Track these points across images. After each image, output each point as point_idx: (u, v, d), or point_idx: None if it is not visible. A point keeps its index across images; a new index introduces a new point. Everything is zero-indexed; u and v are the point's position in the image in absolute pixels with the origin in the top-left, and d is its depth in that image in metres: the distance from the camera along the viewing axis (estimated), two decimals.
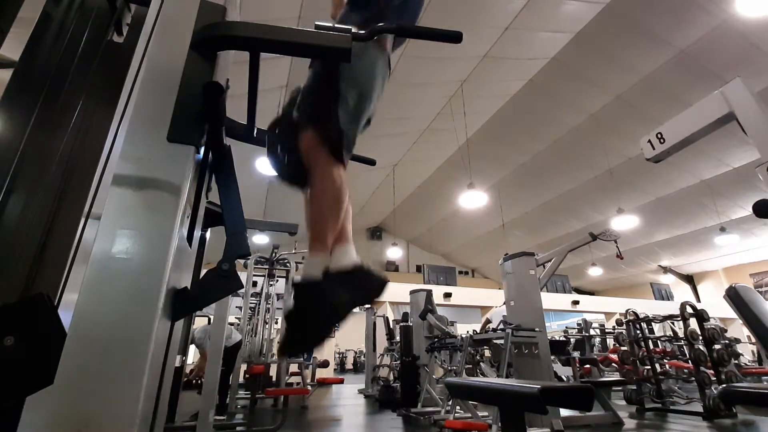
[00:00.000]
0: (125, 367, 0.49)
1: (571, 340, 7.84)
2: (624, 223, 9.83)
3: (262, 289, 7.11)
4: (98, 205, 0.63)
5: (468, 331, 5.27)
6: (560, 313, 14.97)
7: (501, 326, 4.31)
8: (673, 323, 6.27)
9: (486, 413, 4.11)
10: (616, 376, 6.20)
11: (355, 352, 16.78)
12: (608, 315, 14.35)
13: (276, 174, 1.18)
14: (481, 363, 6.77)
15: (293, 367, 7.23)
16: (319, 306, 0.91)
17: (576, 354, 6.24)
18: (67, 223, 0.82)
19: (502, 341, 4.11)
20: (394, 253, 14.55)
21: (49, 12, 0.95)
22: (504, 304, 6.72)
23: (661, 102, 8.19)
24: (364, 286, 0.98)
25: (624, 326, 6.23)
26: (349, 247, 1.03)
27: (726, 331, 5.82)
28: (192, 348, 6.02)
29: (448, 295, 12.75)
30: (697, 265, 16.50)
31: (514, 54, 7.79)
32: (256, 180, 9.64)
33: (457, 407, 4.04)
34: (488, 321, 6.61)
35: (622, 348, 6.19)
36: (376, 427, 4.60)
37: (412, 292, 6.22)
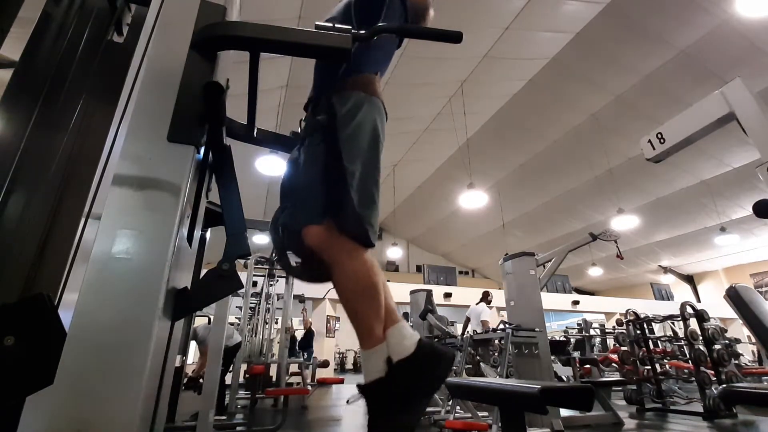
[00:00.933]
0: (125, 367, 0.49)
1: (571, 340, 7.85)
2: (624, 223, 9.82)
3: (262, 289, 7.11)
4: (98, 205, 0.63)
5: (468, 331, 5.27)
6: (560, 313, 14.97)
7: (501, 326, 4.31)
8: (673, 323, 6.27)
9: (486, 413, 4.11)
10: (616, 376, 6.20)
11: (355, 352, 16.77)
12: (608, 315, 14.36)
13: (292, 274, 1.08)
14: (481, 363, 6.76)
15: (293, 367, 7.23)
16: (395, 406, 0.83)
17: (576, 354, 6.24)
18: (67, 223, 0.82)
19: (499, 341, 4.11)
20: (394, 253, 14.54)
21: (49, 12, 0.95)
22: (479, 302, 6.74)
23: (661, 102, 8.19)
24: (433, 366, 0.89)
25: (624, 326, 6.23)
26: (402, 326, 0.93)
27: (726, 331, 5.82)
28: (192, 347, 6.02)
29: (448, 295, 12.74)
30: (697, 265, 16.50)
31: (514, 54, 7.78)
32: (256, 180, 9.64)
33: (457, 407, 4.04)
34: (468, 319, 6.62)
35: (622, 348, 6.19)
36: None
37: (412, 292, 6.23)
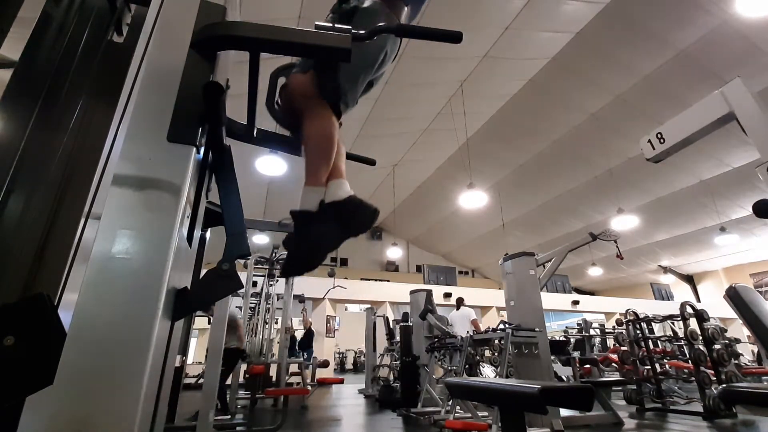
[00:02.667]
0: (125, 367, 0.49)
1: (571, 340, 7.85)
2: (624, 223, 9.83)
3: (262, 289, 7.12)
4: (98, 205, 0.63)
5: (468, 331, 5.27)
6: (560, 313, 14.98)
7: (501, 326, 4.31)
8: (673, 323, 6.27)
9: (486, 413, 4.11)
10: (616, 376, 6.20)
11: (355, 352, 16.77)
12: (608, 315, 14.36)
13: (273, 116, 1.21)
14: (480, 363, 6.77)
15: (293, 367, 7.23)
16: (314, 234, 0.99)
17: (576, 354, 6.24)
18: (67, 223, 0.82)
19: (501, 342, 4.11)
20: (394, 253, 14.55)
21: (49, 12, 0.95)
22: (458, 308, 6.85)
23: (661, 102, 8.19)
24: (356, 215, 1.04)
25: (624, 326, 6.23)
26: (342, 182, 1.09)
27: (726, 331, 5.82)
28: (192, 347, 6.03)
29: (448, 295, 12.75)
30: (697, 265, 16.51)
31: (514, 54, 7.79)
32: (256, 180, 9.65)
33: (457, 407, 4.04)
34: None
35: (622, 348, 6.20)
36: (376, 427, 4.60)
37: (412, 292, 6.22)
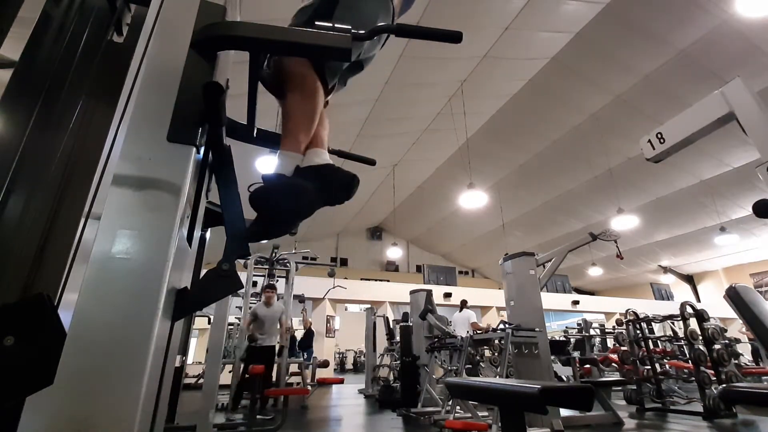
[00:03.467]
0: (125, 367, 0.49)
1: (571, 340, 7.85)
2: (624, 223, 9.83)
3: (262, 289, 7.11)
4: (98, 205, 0.63)
5: (468, 331, 5.27)
6: (560, 313, 14.98)
7: (501, 326, 4.31)
8: (673, 323, 6.27)
9: (486, 413, 4.11)
10: (616, 376, 6.20)
11: (355, 352, 16.77)
12: (608, 315, 14.36)
13: (259, 78, 1.21)
14: (481, 363, 6.77)
15: (293, 367, 7.23)
16: (286, 197, 0.93)
17: (576, 354, 6.24)
18: (67, 223, 0.82)
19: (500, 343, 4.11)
20: (394, 253, 14.54)
21: (49, 12, 0.95)
22: (461, 310, 6.89)
23: (661, 102, 8.19)
24: (333, 182, 1.00)
25: (624, 326, 6.23)
26: (321, 150, 1.06)
27: (726, 331, 5.82)
28: (192, 347, 6.05)
29: (448, 295, 12.75)
30: (697, 265, 16.50)
31: (514, 54, 7.78)
32: (256, 180, 9.64)
33: (457, 407, 4.04)
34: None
35: (622, 348, 6.20)
36: (376, 427, 4.60)
37: (412, 292, 6.22)
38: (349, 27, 0.87)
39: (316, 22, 0.93)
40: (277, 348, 5.45)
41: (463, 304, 7.07)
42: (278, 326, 5.35)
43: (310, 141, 1.04)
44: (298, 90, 1.03)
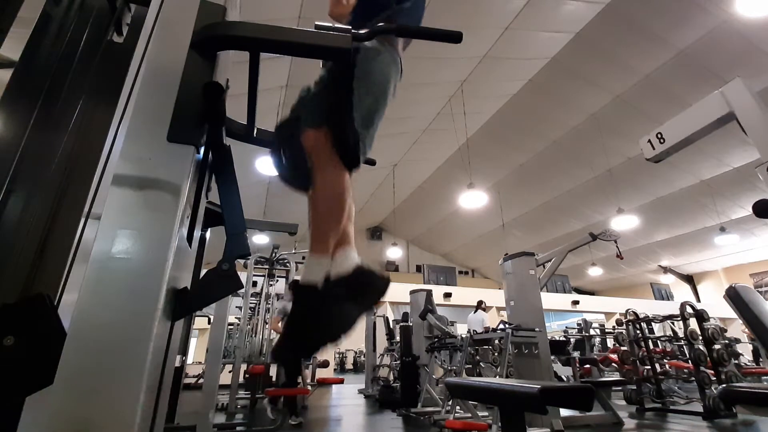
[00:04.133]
0: (125, 367, 0.49)
1: (571, 340, 7.85)
2: (624, 223, 9.82)
3: (262, 289, 7.12)
4: (98, 205, 0.63)
5: (468, 331, 5.27)
6: (560, 313, 14.97)
7: (501, 326, 4.31)
8: (673, 323, 6.27)
9: (486, 413, 4.11)
10: (616, 376, 6.20)
11: (355, 352, 16.76)
12: (608, 315, 14.35)
13: (278, 174, 1.15)
14: (481, 363, 6.77)
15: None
16: (318, 313, 0.88)
17: (576, 354, 6.24)
18: (67, 223, 0.82)
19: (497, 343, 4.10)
20: (394, 253, 14.54)
21: (49, 12, 0.95)
22: (476, 310, 6.87)
23: (661, 102, 8.19)
24: (365, 290, 0.96)
25: (624, 326, 6.23)
26: (350, 251, 1.01)
27: (726, 331, 5.82)
28: (192, 347, 6.02)
29: (448, 295, 12.75)
30: (697, 265, 16.50)
31: (514, 54, 7.78)
32: (256, 180, 9.64)
33: (457, 407, 4.04)
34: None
35: (622, 348, 6.19)
36: (376, 427, 4.61)
37: (412, 292, 6.22)
38: (350, 27, 0.87)
39: (316, 23, 0.92)
40: None
41: (479, 305, 7.01)
42: None
43: (338, 240, 1.00)
44: (324, 189, 0.98)
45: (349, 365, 16.98)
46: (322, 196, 0.98)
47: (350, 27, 0.87)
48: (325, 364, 8.81)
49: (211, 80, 0.71)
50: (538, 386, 1.09)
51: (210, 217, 1.12)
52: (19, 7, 0.88)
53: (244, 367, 6.12)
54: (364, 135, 1.02)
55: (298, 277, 0.95)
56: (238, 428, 4.34)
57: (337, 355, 15.44)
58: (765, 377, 6.94)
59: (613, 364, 6.75)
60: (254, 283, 6.52)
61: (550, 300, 11.12)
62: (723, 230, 11.54)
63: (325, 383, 7.25)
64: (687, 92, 7.71)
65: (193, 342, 14.04)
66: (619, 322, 8.83)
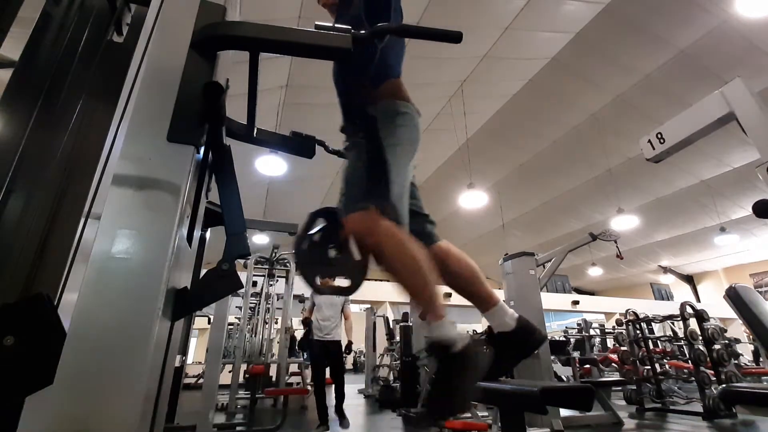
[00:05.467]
0: (125, 367, 0.49)
1: (571, 340, 7.85)
2: (624, 223, 9.82)
3: (262, 289, 7.12)
4: (98, 205, 0.63)
5: (468, 331, 5.27)
6: (560, 313, 14.97)
7: None
8: (673, 323, 6.27)
9: (486, 413, 4.11)
10: (616, 376, 6.20)
11: (355, 352, 16.76)
12: (608, 315, 14.36)
13: (313, 283, 1.07)
14: None
15: (293, 367, 7.23)
16: (475, 370, 0.91)
17: (576, 354, 6.24)
18: (67, 223, 0.82)
19: None
20: None
21: (49, 12, 0.95)
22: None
23: (661, 102, 8.19)
24: (526, 344, 1.00)
25: (624, 326, 6.23)
26: (503, 306, 1.04)
27: (726, 331, 5.82)
28: (192, 347, 6.00)
29: (448, 295, 12.70)
30: (697, 265, 16.50)
31: (514, 54, 7.78)
32: (256, 180, 9.64)
33: None
34: None
35: (622, 348, 6.19)
36: (376, 427, 4.60)
37: None
38: (350, 27, 0.87)
39: (316, 23, 0.92)
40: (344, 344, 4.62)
41: None
42: (340, 317, 4.49)
43: (484, 297, 1.05)
44: (399, 258, 0.98)
45: (349, 365, 16.98)
46: (396, 265, 0.98)
47: (350, 27, 0.87)
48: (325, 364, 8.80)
49: (211, 80, 0.71)
50: (538, 386, 1.09)
51: (210, 217, 1.12)
52: (19, 7, 0.88)
53: (244, 367, 6.12)
54: (401, 203, 1.06)
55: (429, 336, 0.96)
56: (238, 428, 4.34)
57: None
58: (765, 377, 6.94)
59: (613, 364, 6.75)
60: (254, 283, 6.52)
61: (550, 300, 11.13)
62: (723, 230, 11.54)
63: (325, 383, 7.24)
64: (687, 92, 7.70)
65: (193, 342, 14.04)
66: (619, 322, 8.84)
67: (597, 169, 10.70)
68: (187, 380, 7.65)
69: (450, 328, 0.93)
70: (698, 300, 15.84)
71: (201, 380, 6.07)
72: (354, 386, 8.94)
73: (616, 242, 4.95)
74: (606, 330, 9.65)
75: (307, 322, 4.61)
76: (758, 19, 6.27)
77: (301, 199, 12.72)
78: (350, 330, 4.71)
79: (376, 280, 15.58)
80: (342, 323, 4.55)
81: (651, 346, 5.70)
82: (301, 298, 8.80)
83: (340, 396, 4.40)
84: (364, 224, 0.99)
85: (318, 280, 1.05)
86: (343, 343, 4.56)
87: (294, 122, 8.11)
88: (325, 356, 4.38)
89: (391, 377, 8.14)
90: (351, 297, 12.63)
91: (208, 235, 1.61)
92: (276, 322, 7.76)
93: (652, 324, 6.09)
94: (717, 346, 4.73)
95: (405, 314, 7.09)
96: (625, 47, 7.44)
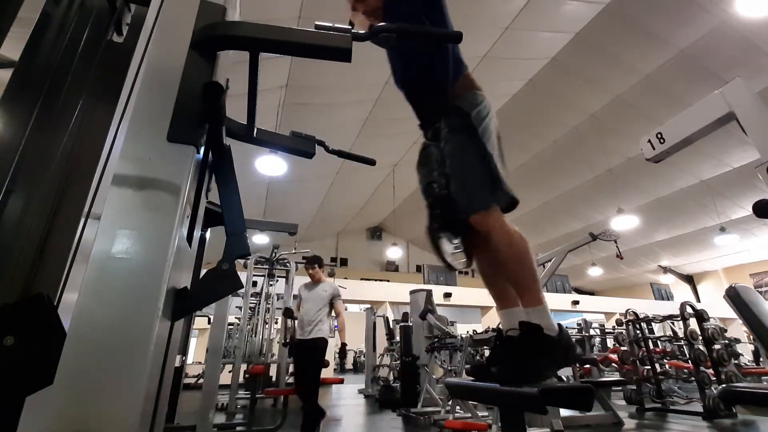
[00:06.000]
0: (125, 367, 0.49)
1: None
2: (624, 223, 9.82)
3: (262, 289, 7.11)
4: (98, 205, 0.63)
5: (468, 331, 5.27)
6: (560, 313, 14.95)
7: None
8: (673, 323, 6.26)
9: (486, 413, 4.11)
10: (616, 376, 6.20)
11: (355, 352, 16.76)
12: (608, 315, 14.35)
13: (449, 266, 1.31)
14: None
15: (293, 368, 7.22)
16: (557, 353, 1.05)
17: None
18: (67, 223, 0.82)
19: None
20: (394, 253, 14.54)
21: (49, 12, 0.95)
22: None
23: (661, 102, 8.19)
24: (568, 351, 1.12)
25: (624, 326, 6.23)
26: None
27: (726, 331, 5.82)
28: (192, 347, 5.99)
29: (448, 295, 12.75)
30: (697, 265, 16.50)
31: (514, 54, 7.78)
32: (256, 180, 9.64)
33: (457, 407, 4.04)
34: None
35: (622, 348, 6.19)
36: (376, 427, 4.61)
37: (412, 292, 6.22)
38: (350, 27, 0.87)
39: (316, 23, 0.92)
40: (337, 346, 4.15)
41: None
42: (328, 312, 3.93)
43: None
44: (515, 249, 1.13)
45: (349, 365, 16.97)
46: (514, 257, 1.13)
47: (350, 27, 0.87)
48: (325, 364, 8.79)
49: (211, 80, 0.71)
50: (538, 386, 1.09)
51: (210, 217, 1.12)
52: (19, 7, 0.88)
53: (244, 367, 6.11)
54: (509, 185, 1.18)
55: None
56: (238, 428, 4.34)
57: (337, 356, 15.41)
58: (765, 377, 6.94)
59: (613, 364, 6.75)
60: (254, 283, 6.52)
61: (550, 300, 11.02)
62: (723, 230, 11.54)
63: (325, 383, 7.25)
64: (687, 92, 7.70)
65: (193, 342, 14.03)
66: (619, 322, 8.83)
67: (597, 169, 10.70)
68: (187, 380, 7.65)
69: (549, 314, 1.07)
70: (698, 300, 15.83)
71: (201, 380, 6.06)
72: (354, 386, 8.94)
73: (616, 242, 4.94)
74: (606, 330, 9.65)
75: (288, 314, 4.30)
76: (758, 19, 6.27)
77: (301, 199, 12.73)
78: (343, 329, 4.09)
79: (376, 280, 15.59)
80: (328, 321, 3.92)
81: (651, 346, 5.70)
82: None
83: (312, 410, 3.53)
84: (489, 224, 1.13)
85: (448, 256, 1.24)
86: (333, 344, 4.27)
87: (294, 122, 8.11)
88: (306, 356, 3.74)
89: (391, 377, 8.14)
90: (350, 297, 12.37)
91: (208, 235, 1.61)
92: (276, 322, 7.76)
93: (652, 324, 6.09)
94: (717, 346, 4.73)
95: (405, 314, 7.09)
96: (625, 47, 7.44)
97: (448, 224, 1.24)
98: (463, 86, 1.29)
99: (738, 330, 11.21)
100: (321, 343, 3.75)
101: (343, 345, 4.16)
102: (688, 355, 5.30)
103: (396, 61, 1.39)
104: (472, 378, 1.12)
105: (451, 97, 1.26)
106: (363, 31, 0.90)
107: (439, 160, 1.27)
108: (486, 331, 6.04)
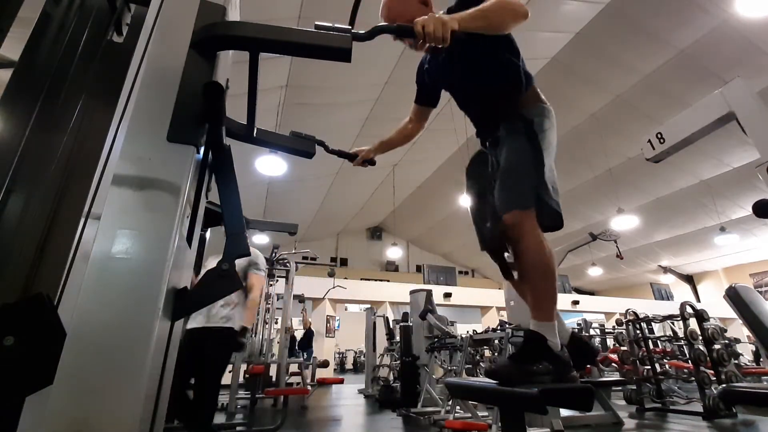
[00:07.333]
0: (125, 367, 0.49)
1: None
2: (624, 223, 9.82)
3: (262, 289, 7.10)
4: (98, 205, 0.63)
5: (468, 331, 5.27)
6: (560, 313, 14.95)
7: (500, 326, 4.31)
8: (673, 323, 6.26)
9: (486, 413, 4.11)
10: (616, 376, 6.20)
11: (355, 352, 16.76)
12: (608, 315, 14.35)
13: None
14: (481, 363, 6.77)
15: (293, 367, 7.23)
16: (557, 366, 1.11)
17: None
18: (67, 223, 0.82)
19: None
20: (394, 253, 14.54)
21: (49, 12, 0.95)
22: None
23: (661, 102, 8.19)
24: (583, 354, 1.20)
25: (624, 326, 6.23)
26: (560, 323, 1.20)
27: (726, 331, 5.82)
28: None
29: (448, 295, 12.74)
30: (697, 265, 16.49)
31: None
32: (256, 180, 9.64)
33: (457, 407, 4.04)
34: None
35: (622, 348, 6.19)
36: (376, 427, 4.60)
37: (412, 292, 6.22)
38: (350, 27, 0.87)
39: (316, 23, 0.92)
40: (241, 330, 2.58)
41: None
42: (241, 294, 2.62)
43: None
44: (542, 261, 1.14)
45: (349, 365, 16.97)
46: (538, 268, 1.14)
47: (350, 27, 0.87)
48: (324, 364, 8.81)
49: (211, 80, 0.71)
50: (538, 386, 1.09)
51: (210, 217, 1.12)
52: (19, 7, 0.88)
53: (244, 367, 6.11)
54: (558, 201, 1.21)
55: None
56: (238, 428, 4.33)
57: (337, 355, 15.43)
58: (765, 377, 6.94)
59: (613, 364, 6.75)
60: None
61: None
62: (723, 230, 11.54)
63: (325, 383, 7.26)
64: (687, 92, 7.70)
65: None
66: (619, 322, 8.83)
67: (597, 169, 10.70)
68: None
69: (555, 332, 1.12)
70: (698, 300, 15.83)
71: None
72: (354, 386, 8.94)
73: (616, 242, 4.95)
74: (606, 330, 9.65)
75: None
76: (758, 19, 6.27)
77: (301, 199, 12.73)
78: (253, 308, 2.69)
79: (376, 280, 15.59)
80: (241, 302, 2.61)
81: (651, 346, 5.70)
82: (301, 298, 8.82)
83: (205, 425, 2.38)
84: (522, 226, 1.14)
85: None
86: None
87: (294, 122, 8.11)
88: (195, 351, 2.36)
89: (391, 377, 8.14)
90: (350, 297, 12.29)
91: (208, 235, 1.61)
92: (276, 322, 7.75)
93: (652, 324, 6.08)
94: (717, 346, 4.73)
95: (405, 314, 7.09)
96: (625, 47, 7.44)
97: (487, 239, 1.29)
98: (531, 97, 1.36)
99: (738, 330, 11.21)
100: (219, 335, 2.49)
101: (243, 329, 2.61)
102: (688, 355, 5.30)
103: (454, 66, 1.47)
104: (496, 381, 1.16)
105: (519, 105, 1.32)
106: (363, 31, 0.90)
107: (495, 167, 1.31)
108: (486, 331, 6.04)
